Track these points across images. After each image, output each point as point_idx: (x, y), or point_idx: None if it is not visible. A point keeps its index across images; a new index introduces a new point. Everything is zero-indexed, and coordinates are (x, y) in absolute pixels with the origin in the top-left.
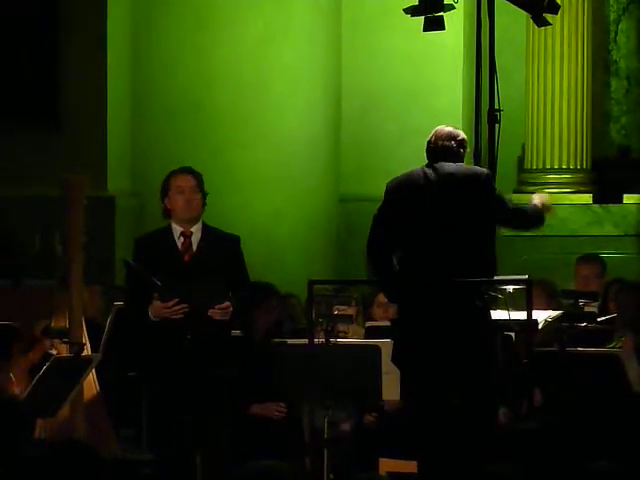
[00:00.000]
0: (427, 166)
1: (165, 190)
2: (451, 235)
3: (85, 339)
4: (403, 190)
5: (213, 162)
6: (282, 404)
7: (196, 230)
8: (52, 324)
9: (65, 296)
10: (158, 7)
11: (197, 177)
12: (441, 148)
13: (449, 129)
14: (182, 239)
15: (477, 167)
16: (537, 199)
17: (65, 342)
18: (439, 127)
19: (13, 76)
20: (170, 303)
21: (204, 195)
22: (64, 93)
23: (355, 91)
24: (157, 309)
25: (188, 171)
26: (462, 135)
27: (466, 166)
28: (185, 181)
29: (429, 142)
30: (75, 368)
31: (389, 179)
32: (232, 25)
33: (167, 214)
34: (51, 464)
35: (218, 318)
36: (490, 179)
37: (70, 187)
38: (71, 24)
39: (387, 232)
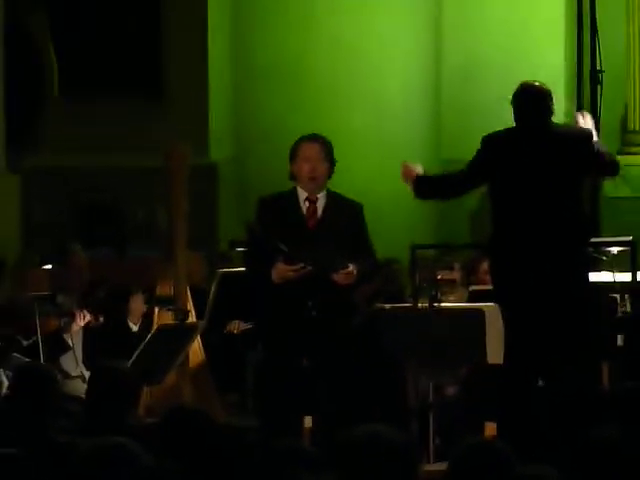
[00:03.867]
0: (524, 124)
1: (293, 155)
2: (548, 194)
3: (190, 306)
4: (500, 146)
5: (312, 127)
6: None
7: (322, 196)
8: (157, 292)
9: (169, 264)
10: None
11: (324, 145)
12: (530, 104)
13: (535, 84)
14: (308, 204)
15: (577, 127)
16: (589, 123)
17: (170, 309)
18: (524, 83)
19: (116, 47)
20: (295, 266)
21: (332, 163)
22: (166, 63)
23: (455, 54)
24: (282, 271)
25: (315, 139)
26: (548, 89)
27: (565, 125)
28: (310, 149)
29: (515, 97)
30: (180, 335)
31: None
32: None
33: (293, 178)
34: (163, 431)
35: (342, 282)
36: (590, 138)
37: (173, 158)
38: None
39: (466, 177)
